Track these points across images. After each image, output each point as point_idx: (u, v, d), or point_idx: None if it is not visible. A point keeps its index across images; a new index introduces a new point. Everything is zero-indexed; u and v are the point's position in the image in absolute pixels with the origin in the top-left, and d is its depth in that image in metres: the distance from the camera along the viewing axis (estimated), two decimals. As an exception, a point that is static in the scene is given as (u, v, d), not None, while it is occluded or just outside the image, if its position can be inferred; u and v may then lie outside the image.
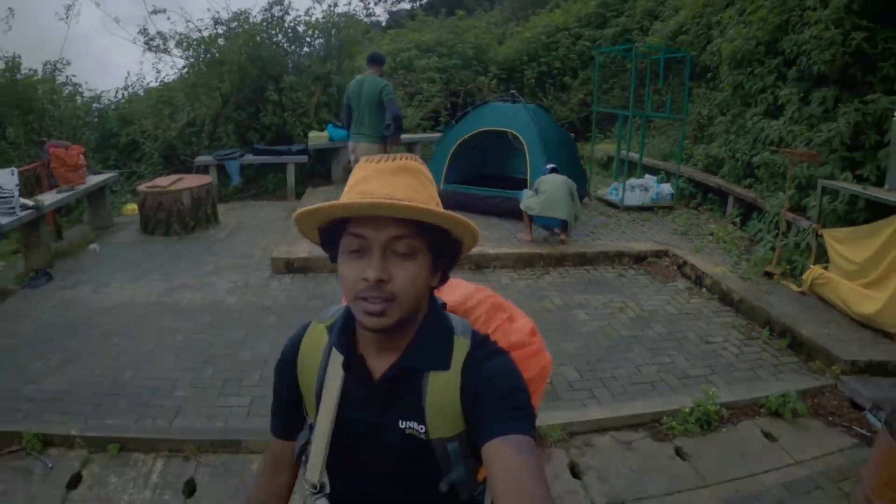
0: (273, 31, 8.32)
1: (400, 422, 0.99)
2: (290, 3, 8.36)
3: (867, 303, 4.01)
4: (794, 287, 4.59)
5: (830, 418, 3.25)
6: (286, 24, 8.37)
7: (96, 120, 9.03)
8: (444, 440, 0.98)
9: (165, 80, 9.78)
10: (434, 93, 10.21)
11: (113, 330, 4.09)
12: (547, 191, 5.34)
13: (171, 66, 9.38)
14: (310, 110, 7.79)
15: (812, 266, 4.52)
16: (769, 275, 4.82)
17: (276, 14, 8.38)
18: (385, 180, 0.91)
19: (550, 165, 5.67)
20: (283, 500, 1.19)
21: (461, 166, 6.78)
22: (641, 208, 6.90)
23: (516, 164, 7.00)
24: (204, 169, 7.62)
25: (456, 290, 1.16)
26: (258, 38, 8.09)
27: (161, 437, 2.95)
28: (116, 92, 10.39)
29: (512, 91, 7.59)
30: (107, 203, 6.79)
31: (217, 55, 8.12)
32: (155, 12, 8.52)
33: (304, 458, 1.10)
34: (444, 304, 1.10)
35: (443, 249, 0.96)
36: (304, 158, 7.70)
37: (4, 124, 8.11)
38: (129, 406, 3.19)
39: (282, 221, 6.66)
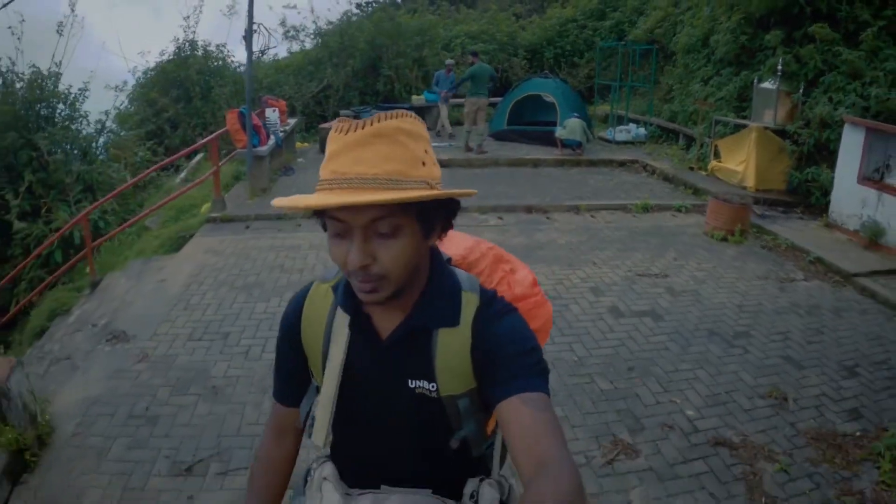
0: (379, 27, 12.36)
1: (409, 381, 0.99)
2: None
3: (736, 175, 8.22)
4: (703, 173, 8.79)
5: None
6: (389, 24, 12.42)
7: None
8: (454, 397, 0.98)
9: (288, 59, 13.85)
10: (482, 70, 14.28)
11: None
12: (570, 126, 9.52)
13: (299, 47, 13.32)
14: (411, 81, 11.86)
15: (712, 161, 8.72)
16: (691, 168, 9.00)
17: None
18: (354, 155, 0.85)
19: (575, 114, 9.82)
20: (289, 466, 1.18)
21: (511, 115, 10.93)
22: (625, 142, 11.04)
23: (542, 114, 11.10)
24: (343, 119, 11.66)
25: (458, 243, 1.13)
26: (372, 29, 12.18)
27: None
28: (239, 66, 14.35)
29: (546, 71, 11.72)
30: (294, 138, 10.87)
31: (344, 42, 12.19)
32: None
33: (309, 422, 1.10)
34: (450, 259, 1.07)
35: (434, 211, 0.91)
36: (412, 113, 11.74)
37: (203, 91, 12.10)
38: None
39: (405, 149, 10.78)
